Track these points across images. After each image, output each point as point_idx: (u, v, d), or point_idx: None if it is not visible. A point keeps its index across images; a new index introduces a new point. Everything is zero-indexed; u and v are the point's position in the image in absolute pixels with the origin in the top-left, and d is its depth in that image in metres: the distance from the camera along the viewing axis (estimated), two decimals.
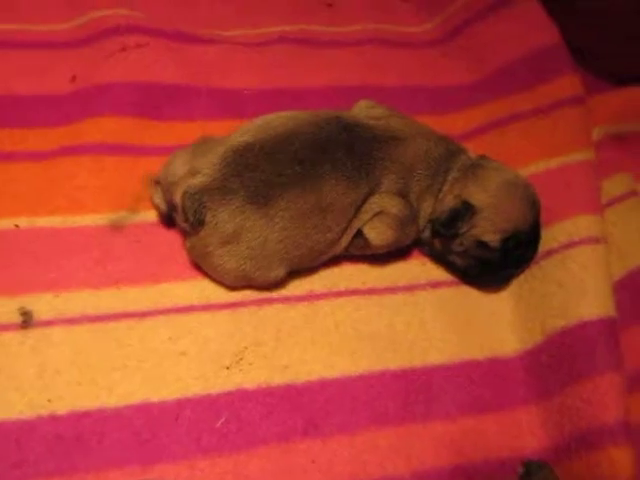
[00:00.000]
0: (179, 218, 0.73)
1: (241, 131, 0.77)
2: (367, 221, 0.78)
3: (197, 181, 0.71)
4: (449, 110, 1.07)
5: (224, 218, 0.71)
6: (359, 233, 0.79)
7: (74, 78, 0.95)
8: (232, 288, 0.78)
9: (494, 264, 0.79)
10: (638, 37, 1.07)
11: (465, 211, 0.77)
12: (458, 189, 0.79)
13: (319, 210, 0.74)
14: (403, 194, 0.78)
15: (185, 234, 0.76)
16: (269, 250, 0.73)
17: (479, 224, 0.77)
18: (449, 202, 0.79)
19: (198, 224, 0.71)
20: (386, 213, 0.77)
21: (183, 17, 1.11)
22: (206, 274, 0.78)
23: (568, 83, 0.99)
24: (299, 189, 0.73)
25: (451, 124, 1.04)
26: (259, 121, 0.78)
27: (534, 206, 0.79)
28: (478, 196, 0.78)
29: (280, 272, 0.76)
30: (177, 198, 0.72)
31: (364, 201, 0.77)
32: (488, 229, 0.77)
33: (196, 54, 1.04)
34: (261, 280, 0.76)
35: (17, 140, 0.87)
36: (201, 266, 0.77)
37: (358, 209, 0.77)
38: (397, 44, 1.18)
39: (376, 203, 0.77)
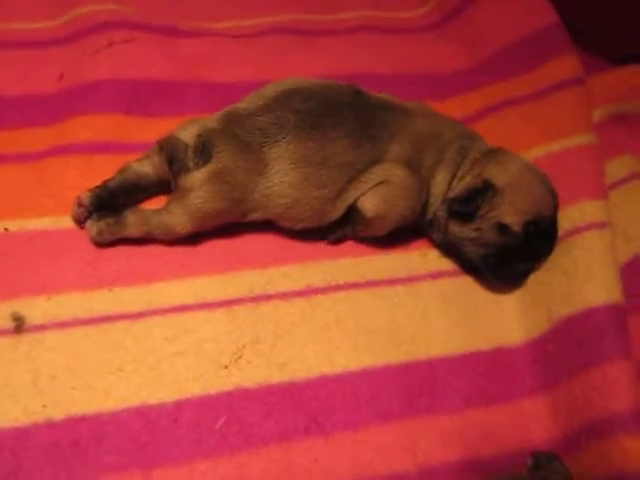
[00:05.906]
0: (188, 156, 0.75)
1: (250, 97, 0.80)
2: (367, 190, 0.76)
3: (209, 124, 0.76)
4: (447, 95, 1.05)
5: (224, 156, 0.74)
6: (357, 211, 0.78)
7: (61, 76, 0.94)
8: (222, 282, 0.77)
9: (513, 253, 0.76)
10: (636, 14, 1.05)
11: (485, 189, 0.75)
12: (478, 169, 0.77)
13: (313, 163, 0.75)
14: (413, 166, 0.77)
15: (179, 174, 0.75)
16: (258, 193, 0.76)
17: (500, 205, 0.75)
18: (468, 181, 0.77)
19: (205, 158, 0.74)
20: (387, 183, 0.76)
21: (171, 10, 1.10)
22: (199, 271, 0.77)
23: (567, 64, 0.97)
24: (292, 137, 0.75)
25: (449, 109, 1.01)
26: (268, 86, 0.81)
27: (553, 195, 0.77)
28: (499, 176, 0.76)
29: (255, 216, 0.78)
30: (186, 137, 0.75)
31: (365, 168, 0.76)
32: (509, 210, 0.75)
33: (185, 48, 1.03)
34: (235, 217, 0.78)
35: (5, 142, 0.85)
36: (175, 202, 0.75)
37: (358, 174, 0.76)
38: (391, 30, 1.17)
39: (378, 172, 0.76)
